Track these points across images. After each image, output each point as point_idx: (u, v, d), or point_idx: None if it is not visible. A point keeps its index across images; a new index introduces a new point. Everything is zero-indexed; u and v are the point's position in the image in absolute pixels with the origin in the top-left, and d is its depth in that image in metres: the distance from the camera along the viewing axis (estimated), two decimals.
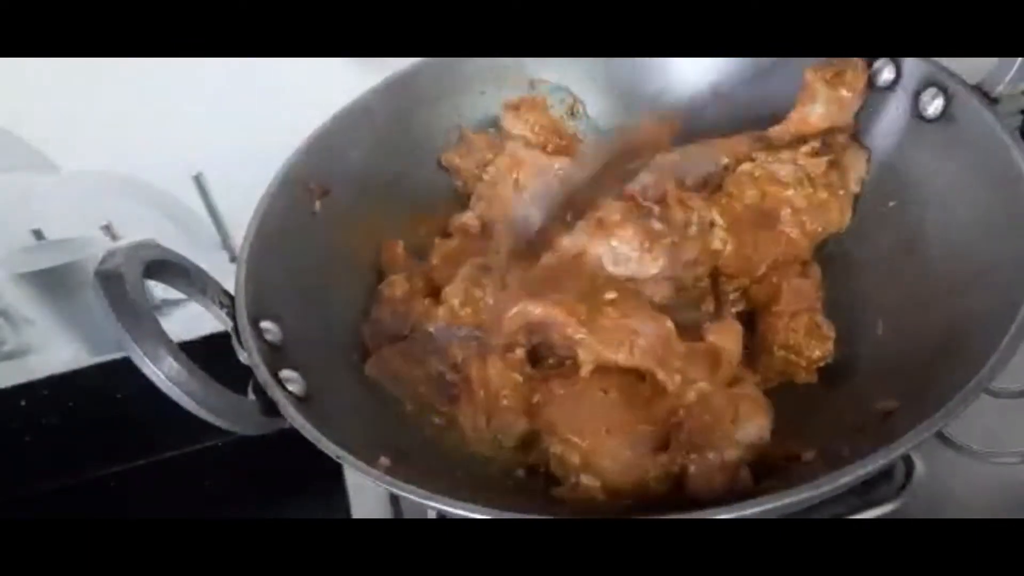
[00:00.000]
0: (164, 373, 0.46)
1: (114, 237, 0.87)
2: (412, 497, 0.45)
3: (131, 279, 0.47)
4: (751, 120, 0.69)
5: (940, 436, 0.63)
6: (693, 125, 0.73)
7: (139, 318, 0.46)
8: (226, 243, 0.91)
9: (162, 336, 0.46)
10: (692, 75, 0.74)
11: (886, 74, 0.64)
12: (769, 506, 0.41)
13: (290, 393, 0.51)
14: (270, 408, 0.50)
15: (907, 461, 0.61)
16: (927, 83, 0.61)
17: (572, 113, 0.77)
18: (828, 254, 0.65)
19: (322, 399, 0.54)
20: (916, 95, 0.62)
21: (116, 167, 0.83)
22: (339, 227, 0.67)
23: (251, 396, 0.51)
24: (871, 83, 0.65)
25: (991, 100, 0.58)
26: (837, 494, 0.42)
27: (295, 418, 0.49)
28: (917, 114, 0.62)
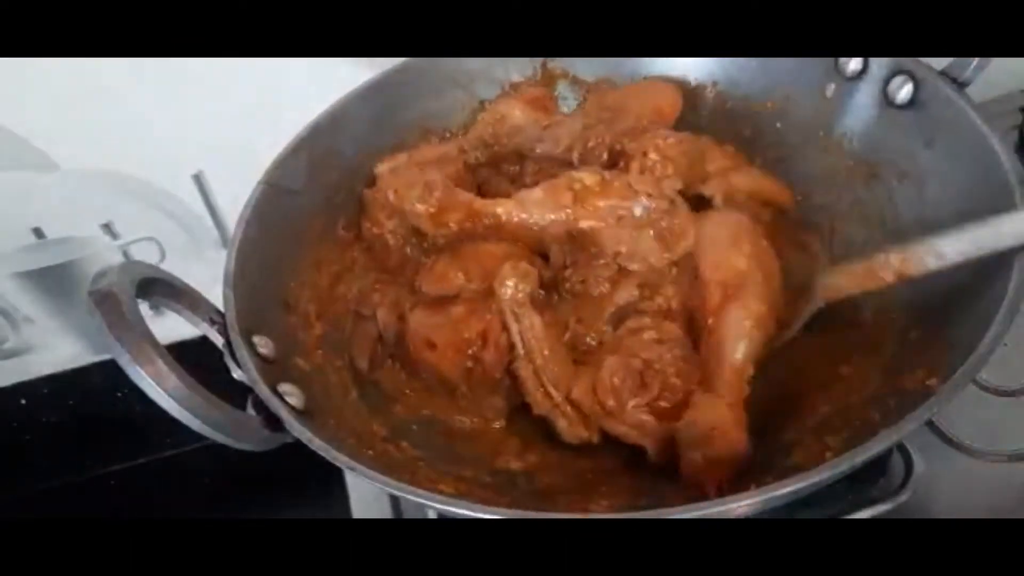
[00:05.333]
0: (168, 392, 0.46)
1: (114, 236, 0.87)
2: (425, 502, 0.45)
3: (125, 298, 0.47)
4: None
5: (939, 433, 0.63)
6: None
7: (137, 338, 0.46)
8: (226, 241, 0.91)
9: (162, 355, 0.46)
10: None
11: (854, 64, 0.65)
12: (764, 497, 0.42)
13: (292, 407, 0.51)
14: (272, 423, 0.50)
15: (906, 459, 0.61)
16: (895, 71, 0.62)
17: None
18: (806, 244, 0.65)
19: (321, 409, 0.54)
20: (885, 83, 0.63)
21: (116, 166, 0.83)
22: (322, 234, 0.67)
23: (251, 411, 0.51)
24: (841, 73, 0.66)
25: (960, 84, 0.58)
26: (836, 491, 0.43)
27: (301, 432, 0.49)
28: (887, 101, 0.63)
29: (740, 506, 0.42)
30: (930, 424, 0.63)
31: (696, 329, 0.59)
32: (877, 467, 0.61)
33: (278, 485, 0.86)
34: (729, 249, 0.60)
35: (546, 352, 0.57)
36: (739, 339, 0.56)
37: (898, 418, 0.44)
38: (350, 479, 0.72)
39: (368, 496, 0.71)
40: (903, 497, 0.59)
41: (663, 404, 0.55)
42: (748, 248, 0.60)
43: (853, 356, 0.58)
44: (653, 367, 0.56)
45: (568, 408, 0.57)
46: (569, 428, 0.57)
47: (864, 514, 0.59)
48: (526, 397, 0.58)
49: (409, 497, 0.45)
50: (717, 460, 0.51)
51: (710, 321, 0.58)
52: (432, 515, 0.63)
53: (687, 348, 0.58)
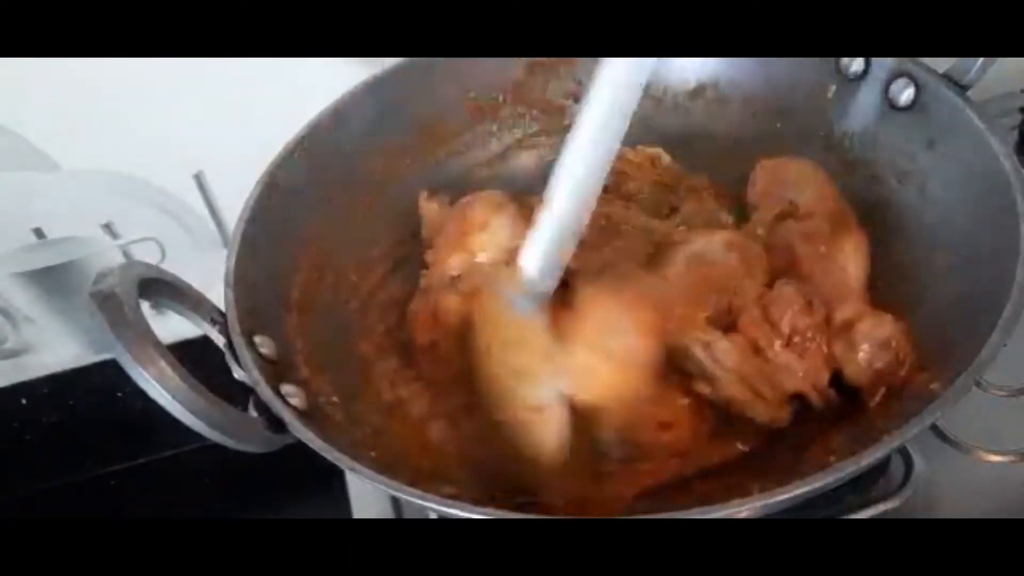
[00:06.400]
0: (170, 393, 0.45)
1: (115, 236, 0.87)
2: (427, 504, 0.45)
3: (127, 299, 0.47)
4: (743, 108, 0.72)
5: (939, 433, 0.63)
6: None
7: (139, 338, 0.46)
8: (226, 241, 0.91)
9: (165, 355, 0.46)
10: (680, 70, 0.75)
11: (855, 66, 0.65)
12: (768, 501, 0.42)
13: (294, 408, 0.51)
14: (275, 424, 0.50)
15: (906, 459, 0.61)
16: (897, 73, 0.62)
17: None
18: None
19: (323, 409, 0.54)
20: (886, 85, 0.63)
21: (117, 166, 0.83)
22: (323, 233, 0.67)
23: (252, 413, 0.51)
24: (842, 74, 0.66)
25: (962, 88, 0.58)
26: (836, 490, 0.43)
27: (303, 433, 0.49)
28: (889, 104, 0.63)
29: (743, 510, 0.42)
30: (931, 424, 0.63)
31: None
32: (878, 467, 0.61)
33: (278, 485, 0.86)
34: (827, 185, 0.63)
35: (749, 366, 0.55)
36: (859, 264, 0.60)
37: (902, 422, 0.44)
38: (350, 479, 0.72)
39: (368, 496, 0.71)
40: (903, 497, 0.59)
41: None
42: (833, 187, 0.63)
43: None
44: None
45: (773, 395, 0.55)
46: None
47: (864, 514, 0.59)
48: (748, 413, 0.55)
49: (411, 499, 0.46)
50: (889, 370, 0.53)
51: (822, 249, 0.60)
52: (432, 515, 0.63)
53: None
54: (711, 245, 0.60)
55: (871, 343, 0.54)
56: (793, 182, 0.65)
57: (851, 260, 0.60)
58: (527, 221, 0.59)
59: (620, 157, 0.71)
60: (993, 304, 0.47)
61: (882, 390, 0.53)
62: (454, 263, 0.62)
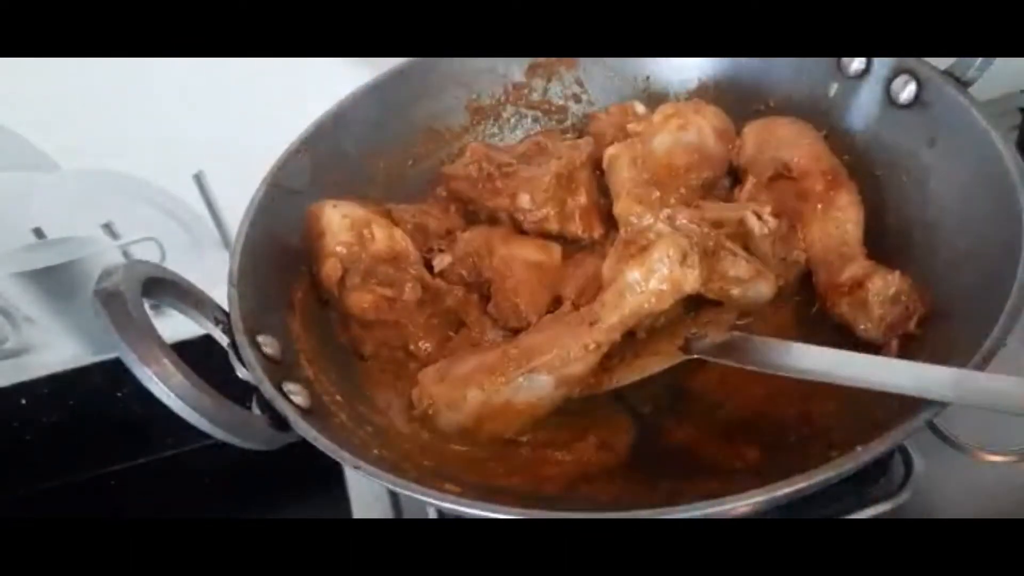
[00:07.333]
0: (174, 392, 0.45)
1: (114, 236, 0.87)
2: (430, 500, 0.45)
3: (131, 297, 0.47)
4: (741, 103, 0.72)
5: (939, 433, 0.63)
6: None
7: (143, 337, 0.46)
8: (226, 241, 0.91)
9: (168, 354, 0.46)
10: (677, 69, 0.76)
11: (856, 64, 0.65)
12: (768, 496, 0.41)
13: (297, 406, 0.51)
14: (278, 422, 0.50)
15: (906, 459, 0.61)
16: (898, 70, 0.62)
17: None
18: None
19: (326, 408, 0.54)
20: (888, 82, 0.63)
21: (117, 166, 0.83)
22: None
23: (256, 411, 0.50)
24: (843, 72, 0.66)
25: (963, 84, 0.58)
26: (836, 490, 0.43)
27: (307, 432, 0.49)
28: (890, 101, 0.63)
29: (744, 505, 0.41)
30: (930, 424, 0.63)
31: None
32: (877, 467, 0.61)
33: (278, 485, 0.86)
34: (818, 143, 0.65)
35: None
36: (856, 220, 0.62)
37: (903, 419, 0.44)
38: (350, 479, 0.72)
39: (368, 496, 0.71)
40: (903, 497, 0.59)
41: None
42: (823, 144, 0.65)
43: None
44: None
45: None
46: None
47: (864, 514, 0.59)
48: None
49: (414, 496, 0.45)
50: (899, 322, 0.55)
51: (818, 207, 0.62)
52: (432, 514, 0.63)
53: None
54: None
55: (883, 299, 0.55)
56: (783, 143, 0.65)
57: (849, 218, 0.62)
58: (354, 202, 0.65)
59: (593, 117, 0.75)
60: (994, 302, 0.47)
61: (894, 342, 0.55)
62: (329, 272, 0.61)
